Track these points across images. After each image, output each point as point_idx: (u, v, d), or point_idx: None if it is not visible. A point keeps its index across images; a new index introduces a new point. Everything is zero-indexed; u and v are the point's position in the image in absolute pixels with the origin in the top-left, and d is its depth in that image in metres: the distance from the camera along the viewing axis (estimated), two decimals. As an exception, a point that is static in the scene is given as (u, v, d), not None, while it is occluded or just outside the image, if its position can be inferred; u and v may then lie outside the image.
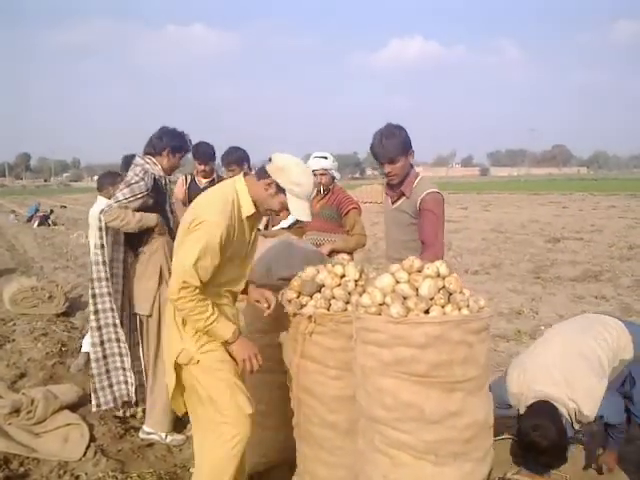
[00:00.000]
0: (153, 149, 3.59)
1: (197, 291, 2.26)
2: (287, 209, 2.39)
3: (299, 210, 2.38)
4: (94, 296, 3.48)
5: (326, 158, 3.96)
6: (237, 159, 4.45)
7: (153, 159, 3.57)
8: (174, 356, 2.40)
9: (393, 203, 3.27)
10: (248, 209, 2.39)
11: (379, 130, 3.12)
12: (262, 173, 2.36)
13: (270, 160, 2.36)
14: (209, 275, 2.30)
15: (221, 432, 2.39)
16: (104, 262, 3.44)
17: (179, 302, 2.27)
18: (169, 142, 3.59)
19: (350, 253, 3.82)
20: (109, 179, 4.62)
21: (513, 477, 3.02)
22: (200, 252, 2.24)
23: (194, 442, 2.59)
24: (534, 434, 2.62)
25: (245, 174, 2.47)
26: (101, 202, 4.34)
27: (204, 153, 4.65)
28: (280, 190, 2.34)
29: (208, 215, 2.29)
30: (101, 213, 3.45)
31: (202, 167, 4.65)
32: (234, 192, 2.38)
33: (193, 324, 2.34)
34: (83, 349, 4.73)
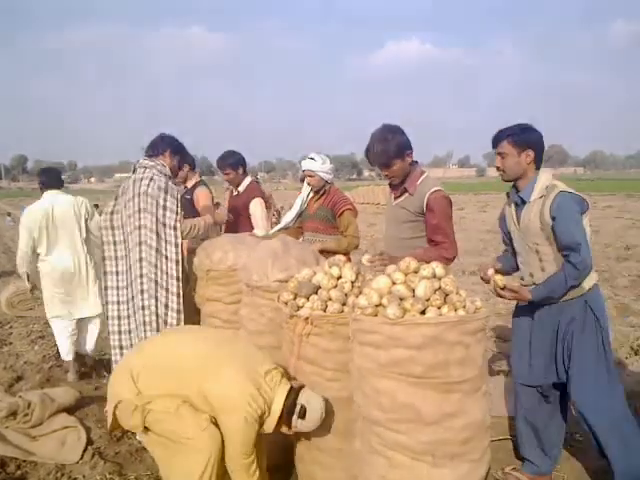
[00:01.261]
0: (156, 151, 3.70)
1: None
2: None
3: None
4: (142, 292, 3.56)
5: (314, 160, 3.95)
6: (233, 163, 4.47)
7: (161, 161, 3.67)
8: (118, 399, 2.49)
9: (395, 199, 3.25)
10: (267, 428, 2.49)
11: (373, 133, 3.06)
12: (288, 418, 2.46)
13: (302, 410, 2.45)
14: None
15: (189, 446, 2.41)
16: (177, 261, 3.50)
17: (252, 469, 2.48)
18: (170, 143, 3.75)
19: (346, 254, 3.81)
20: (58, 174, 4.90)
21: (512, 473, 3.04)
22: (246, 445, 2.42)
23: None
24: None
25: (288, 394, 2.48)
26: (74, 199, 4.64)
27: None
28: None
29: (227, 410, 2.39)
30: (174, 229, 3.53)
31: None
32: (267, 403, 2.43)
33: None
34: (65, 357, 4.69)
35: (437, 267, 2.39)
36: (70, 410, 3.68)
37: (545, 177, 2.72)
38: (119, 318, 3.66)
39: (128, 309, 3.63)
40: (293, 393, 2.48)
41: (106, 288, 3.69)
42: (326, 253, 3.57)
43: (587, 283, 2.71)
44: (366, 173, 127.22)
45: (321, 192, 4.02)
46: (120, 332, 3.67)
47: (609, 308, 6.46)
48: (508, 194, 2.90)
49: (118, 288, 3.66)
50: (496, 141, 2.78)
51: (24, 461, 3.23)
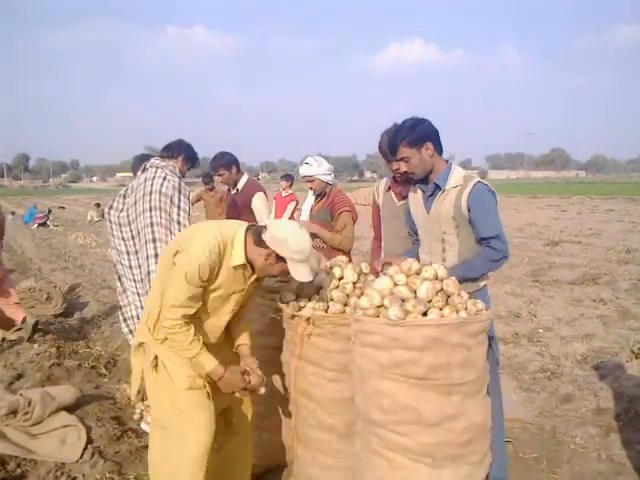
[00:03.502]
0: (171, 152, 3.86)
1: (189, 325, 2.34)
2: (288, 274, 2.38)
3: (301, 274, 2.36)
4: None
5: (309, 164, 3.94)
6: (225, 163, 4.49)
7: (172, 162, 3.81)
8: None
9: (400, 200, 3.19)
10: (237, 259, 2.38)
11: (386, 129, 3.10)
12: (260, 241, 2.34)
13: (265, 228, 2.36)
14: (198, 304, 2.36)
15: (185, 433, 2.38)
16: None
17: (172, 334, 2.33)
18: (186, 150, 3.92)
19: (344, 253, 3.76)
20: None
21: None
22: (186, 288, 2.29)
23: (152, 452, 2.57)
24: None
25: (248, 229, 2.41)
26: None
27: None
28: (280, 259, 2.34)
29: (188, 246, 2.32)
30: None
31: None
32: (228, 237, 2.37)
33: (180, 353, 2.38)
34: None
35: (439, 268, 2.39)
36: (70, 409, 3.68)
37: (460, 169, 2.74)
38: (129, 304, 3.85)
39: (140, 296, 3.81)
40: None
41: (120, 278, 3.89)
42: (328, 253, 3.57)
43: (483, 280, 2.73)
44: (367, 174, 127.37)
45: (322, 194, 4.02)
46: (125, 320, 3.87)
47: (610, 311, 6.48)
48: (415, 182, 2.85)
49: (135, 281, 3.78)
50: (394, 150, 2.76)
51: (24, 459, 3.22)
